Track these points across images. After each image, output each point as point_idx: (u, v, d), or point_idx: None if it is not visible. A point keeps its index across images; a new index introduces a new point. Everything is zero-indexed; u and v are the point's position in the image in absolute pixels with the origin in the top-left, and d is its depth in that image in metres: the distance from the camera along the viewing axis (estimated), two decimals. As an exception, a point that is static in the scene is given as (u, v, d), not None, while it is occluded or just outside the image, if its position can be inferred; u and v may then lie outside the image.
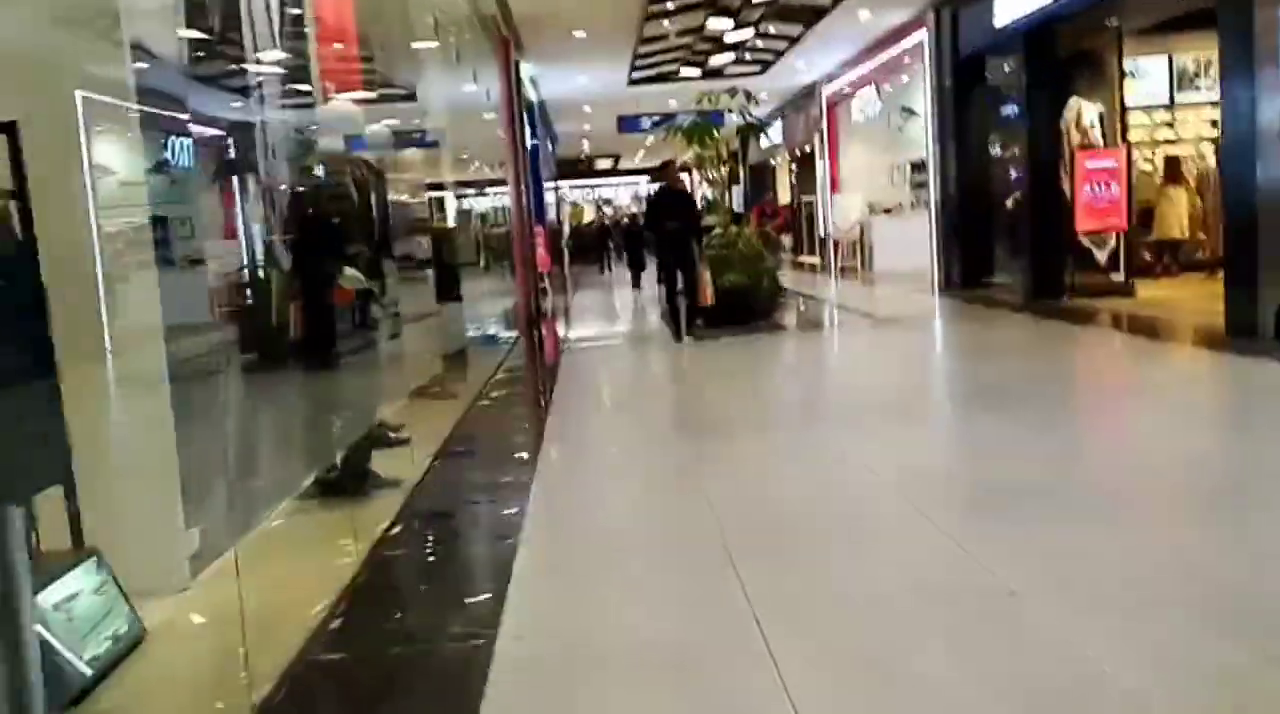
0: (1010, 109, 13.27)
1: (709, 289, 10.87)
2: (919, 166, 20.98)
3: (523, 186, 14.71)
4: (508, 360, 10.77)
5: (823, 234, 21.52)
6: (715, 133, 11.72)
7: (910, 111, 20.30)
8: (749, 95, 11.89)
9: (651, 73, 17.94)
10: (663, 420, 7.17)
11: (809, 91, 21.76)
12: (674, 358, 10.27)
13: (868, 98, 19.30)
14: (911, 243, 18.58)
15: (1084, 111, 12.98)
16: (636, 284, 21.17)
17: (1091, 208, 11.94)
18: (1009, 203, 13.74)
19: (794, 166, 26.69)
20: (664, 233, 11.00)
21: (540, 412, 7.51)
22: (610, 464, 5.93)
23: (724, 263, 12.01)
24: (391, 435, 6.41)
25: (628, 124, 20.88)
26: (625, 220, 30.85)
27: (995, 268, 13.98)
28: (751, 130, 11.78)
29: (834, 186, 20.90)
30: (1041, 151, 12.06)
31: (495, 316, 15.65)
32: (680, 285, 11.10)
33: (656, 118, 21.01)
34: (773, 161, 28.97)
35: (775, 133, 26.62)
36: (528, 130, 16.70)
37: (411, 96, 10.91)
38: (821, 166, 21.15)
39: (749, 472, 5.30)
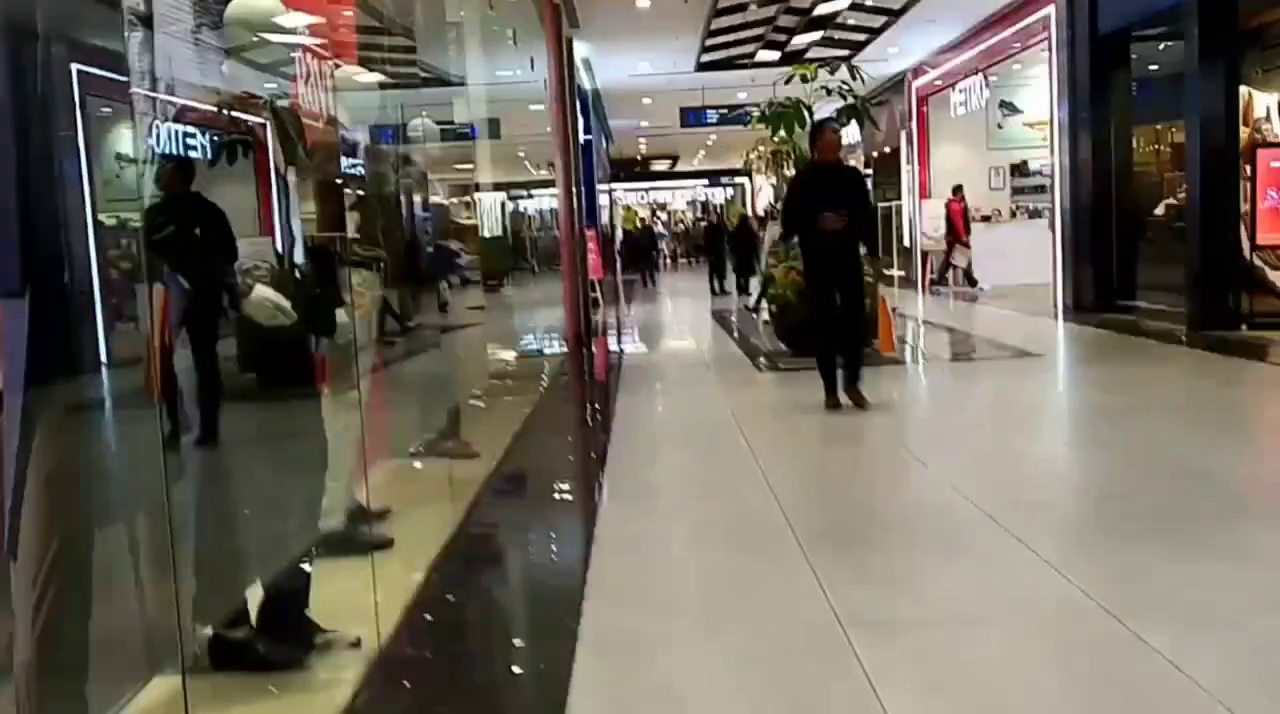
0: (1164, 97, 10.99)
1: (892, 327, 8.04)
2: (1022, 169, 18.78)
3: (573, 186, 12.65)
4: (552, 389, 8.71)
5: (907, 244, 19.21)
6: (808, 116, 9.55)
7: (1011, 107, 18.03)
8: (854, 70, 9.67)
9: (723, 54, 15.83)
10: (758, 516, 5.00)
11: (894, 84, 19.50)
12: (777, 408, 8.11)
13: (967, 89, 16.99)
14: (1014, 255, 16.33)
15: (1255, 101, 10.66)
16: (719, 290, 19.38)
17: (1275, 217, 9.61)
18: (1159, 211, 11.41)
19: (871, 169, 24.37)
20: (820, 235, 6.62)
21: (592, 491, 5.41)
22: (702, 609, 3.79)
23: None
24: (368, 533, 4.34)
25: (692, 117, 18.75)
26: (683, 225, 28.80)
27: (1136, 288, 11.64)
28: (855, 114, 9.57)
29: (923, 191, 18.59)
30: (1211, 149, 9.71)
31: (540, 331, 13.61)
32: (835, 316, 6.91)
33: (724, 110, 18.86)
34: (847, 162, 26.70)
35: (850, 131, 24.36)
36: (580, 123, 14.67)
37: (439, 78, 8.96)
38: (909, 169, 18.86)
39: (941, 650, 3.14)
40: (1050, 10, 12.33)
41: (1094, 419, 6.78)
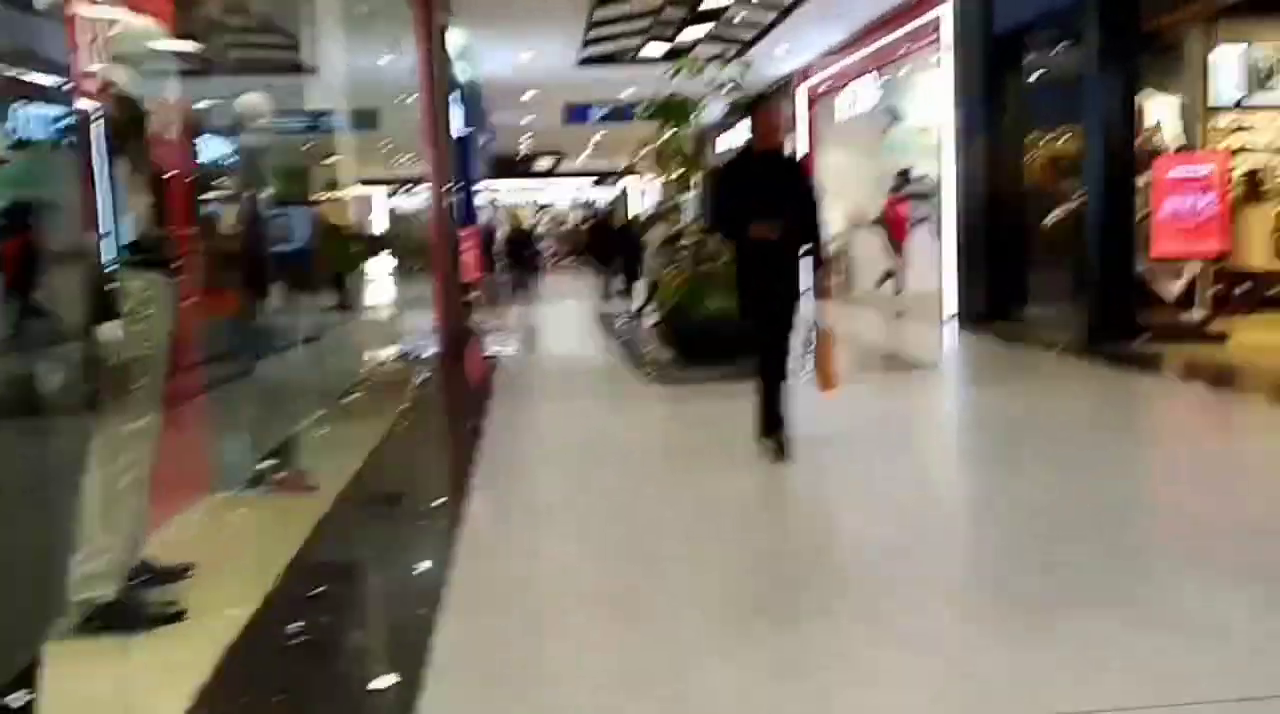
0: (1058, 102, 10.72)
1: (831, 360, 5.87)
2: (907, 176, 18.58)
3: (446, 183, 11.76)
4: (417, 403, 7.82)
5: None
6: (697, 110, 8.91)
7: (894, 113, 17.80)
8: (742, 65, 9.06)
9: (608, 48, 15.14)
10: (648, 569, 4.27)
11: (781, 85, 19.13)
12: (649, 420, 7.40)
13: (855, 93, 16.69)
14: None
15: (1147, 109, 10.48)
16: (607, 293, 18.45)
17: (1172, 228, 9.38)
18: (1050, 219, 11.14)
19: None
20: (757, 240, 5.32)
21: (454, 520, 4.59)
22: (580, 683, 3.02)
23: (706, 282, 9.23)
24: (152, 601, 3.49)
25: (575, 114, 18.02)
26: (565, 226, 28.05)
27: (1028, 299, 11.37)
28: (745, 112, 8.97)
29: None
30: (1110, 155, 9.43)
31: (407, 336, 12.67)
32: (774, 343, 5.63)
33: (609, 108, 18.17)
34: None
35: (733, 136, 24.00)
36: (455, 115, 13.77)
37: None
38: (796, 171, 18.43)
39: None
40: (942, 10, 11.99)
41: (1007, 442, 6.27)
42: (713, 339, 8.98)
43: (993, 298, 11.51)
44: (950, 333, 11.53)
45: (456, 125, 15.98)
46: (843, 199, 17.80)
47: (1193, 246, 9.32)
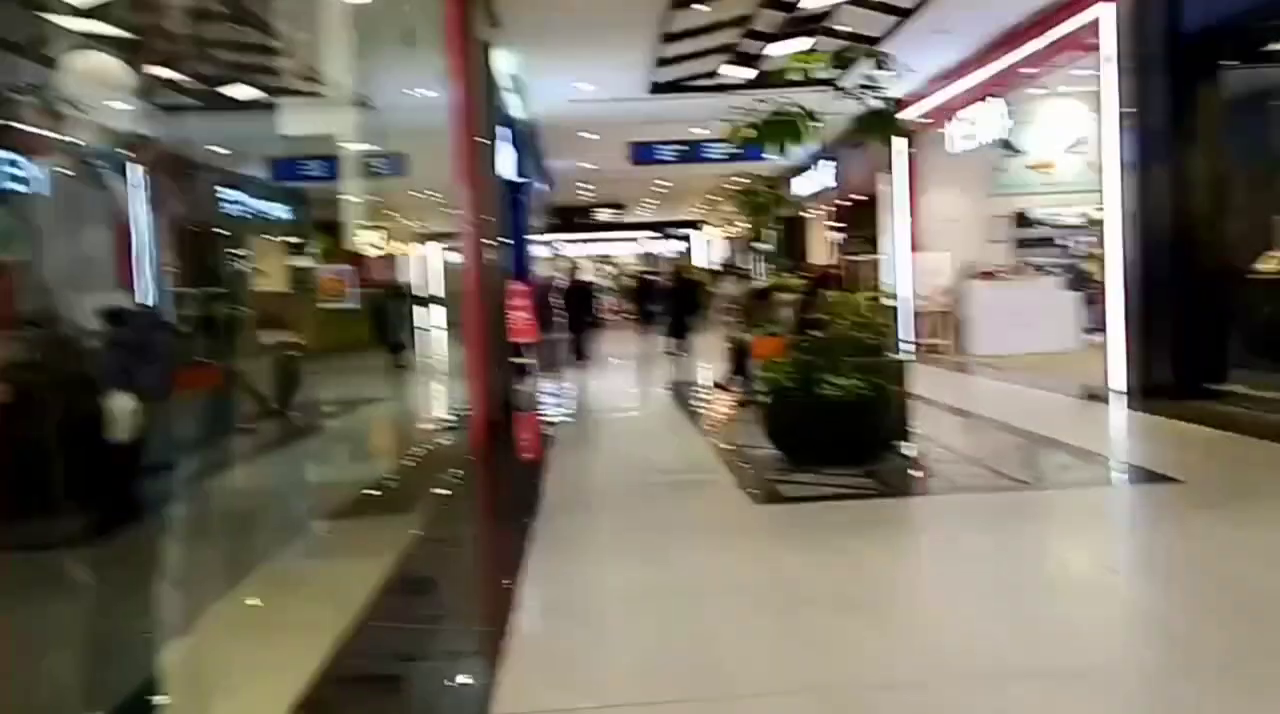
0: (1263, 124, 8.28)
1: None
2: (1022, 219, 16.11)
3: (486, 232, 9.59)
4: (434, 521, 5.49)
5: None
6: (810, 125, 6.61)
7: (1009, 147, 15.37)
8: (880, 59, 6.69)
9: (682, 71, 12.98)
10: None
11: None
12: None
13: (970, 120, 14.34)
14: (1024, 317, 13.66)
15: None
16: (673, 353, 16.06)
17: None
18: (1265, 265, 8.64)
19: (837, 220, 21.65)
20: None
21: None
22: None
23: (823, 353, 6.88)
24: None
25: (642, 153, 15.83)
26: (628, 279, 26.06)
27: (1229, 367, 8.83)
28: (883, 124, 6.66)
29: (914, 244, 15.81)
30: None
31: (429, 422, 10.45)
32: None
33: (682, 147, 15.99)
34: (803, 214, 23.83)
35: (804, 181, 21.70)
36: (502, 152, 11.69)
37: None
38: (896, 218, 16.06)
39: None
40: (1101, 9, 9.60)
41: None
42: (832, 429, 6.62)
43: (1180, 367, 8.97)
44: (1118, 414, 9.01)
45: (506, 167, 13.91)
46: (949, 248, 15.42)
47: None
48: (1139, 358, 9.33)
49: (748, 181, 13.20)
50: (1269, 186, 9.51)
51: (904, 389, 6.90)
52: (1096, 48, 9.71)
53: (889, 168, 16.07)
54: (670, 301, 16.20)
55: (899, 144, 15.55)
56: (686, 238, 38.56)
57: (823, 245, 23.05)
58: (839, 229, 21.81)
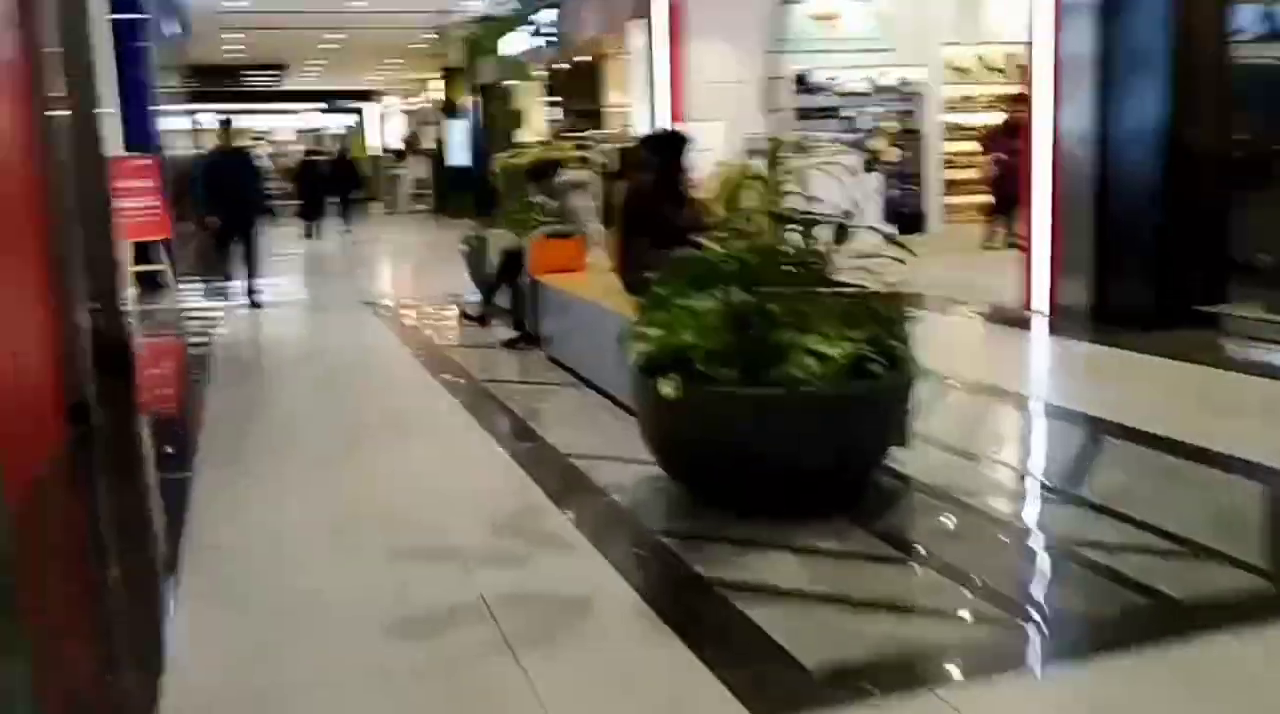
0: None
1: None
2: (804, 83, 13.27)
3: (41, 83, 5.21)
4: None
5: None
6: None
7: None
8: None
9: None
10: None
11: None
12: None
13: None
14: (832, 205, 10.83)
15: None
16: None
17: None
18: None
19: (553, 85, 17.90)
20: None
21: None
22: None
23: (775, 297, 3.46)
24: None
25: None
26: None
27: (1227, 287, 6.32)
28: None
29: (675, 113, 12.53)
30: None
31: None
32: None
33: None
34: (514, 82, 19.85)
35: (515, 39, 17.74)
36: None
37: None
38: (655, 78, 12.67)
39: None
40: None
41: None
42: (800, 441, 3.32)
43: (1149, 283, 6.39)
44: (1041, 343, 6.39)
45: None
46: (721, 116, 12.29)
47: None
48: (1091, 273, 6.66)
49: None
50: None
51: (912, 355, 3.61)
52: None
53: (643, 12, 12.62)
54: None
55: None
56: (358, 111, 33.32)
57: (540, 121, 19.25)
58: (556, 103, 18.12)
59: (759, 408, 3.27)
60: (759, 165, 4.13)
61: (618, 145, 12.79)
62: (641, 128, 12.89)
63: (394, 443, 4.73)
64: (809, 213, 3.95)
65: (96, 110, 6.48)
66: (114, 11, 9.92)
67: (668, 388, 3.24)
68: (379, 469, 4.35)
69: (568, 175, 7.06)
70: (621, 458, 4.08)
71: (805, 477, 3.38)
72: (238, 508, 3.90)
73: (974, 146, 12.41)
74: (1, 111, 4.52)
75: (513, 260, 6.82)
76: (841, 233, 3.79)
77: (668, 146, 5.29)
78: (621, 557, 3.22)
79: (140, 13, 11.04)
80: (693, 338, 3.37)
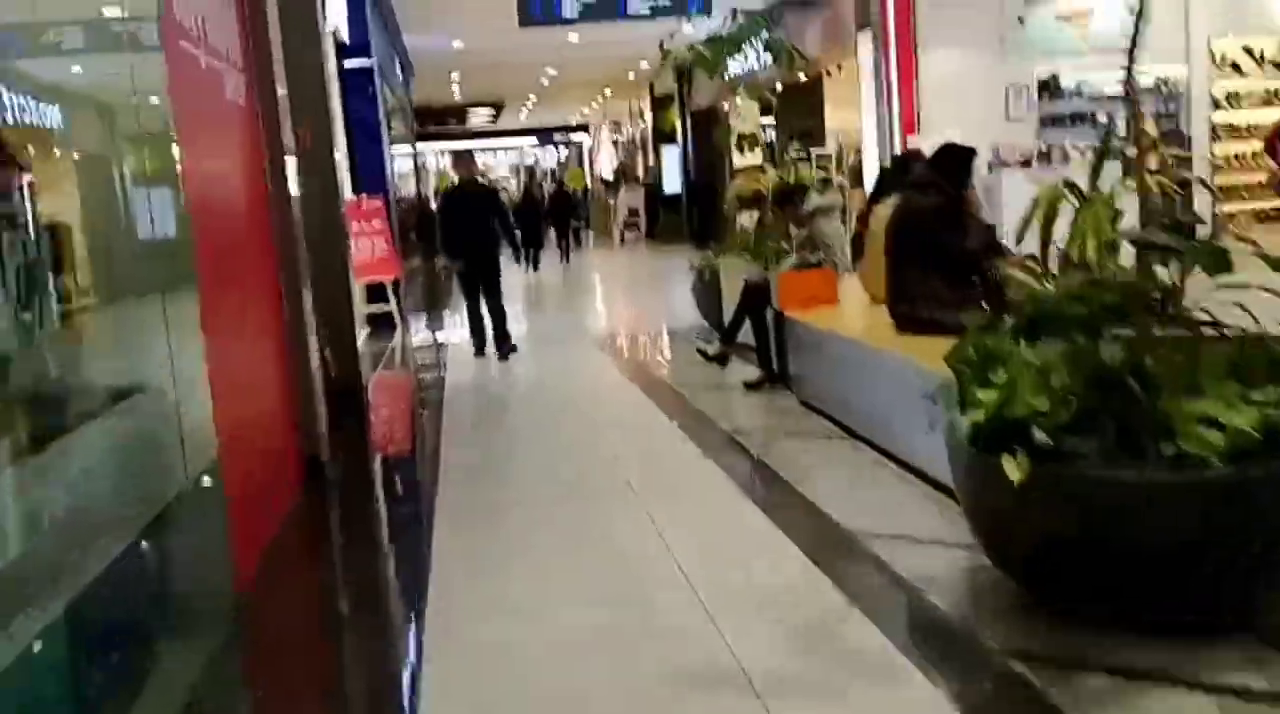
0: None
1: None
2: (1052, 88, 12.13)
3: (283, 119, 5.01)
4: None
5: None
6: None
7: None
8: None
9: None
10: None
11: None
12: None
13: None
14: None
15: None
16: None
17: None
18: None
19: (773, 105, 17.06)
20: None
21: None
22: None
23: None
24: None
25: (536, 8, 11.05)
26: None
27: None
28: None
29: (907, 124, 11.64)
30: None
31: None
32: None
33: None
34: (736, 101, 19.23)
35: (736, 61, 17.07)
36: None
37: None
38: (881, 88, 11.84)
39: None
40: None
41: None
42: (1187, 548, 2.46)
43: None
44: None
45: (337, 20, 9.24)
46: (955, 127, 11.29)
47: None
48: None
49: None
50: None
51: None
52: None
53: (868, 22, 11.84)
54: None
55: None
56: (569, 144, 33.81)
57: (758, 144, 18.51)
58: (774, 125, 17.35)
59: (1148, 497, 2.49)
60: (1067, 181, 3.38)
61: (853, 164, 12.04)
62: (870, 145, 12.16)
63: (646, 511, 4.15)
64: (1164, 236, 3.13)
65: (329, 153, 6.36)
66: (343, 55, 10.10)
67: (1016, 472, 2.52)
68: (632, 550, 3.76)
69: (816, 200, 6.38)
70: (924, 539, 3.35)
71: (1203, 583, 2.56)
72: (484, 594, 3.42)
73: (1249, 147, 11.08)
74: (234, 155, 4.30)
75: (756, 294, 6.19)
76: (1220, 260, 2.94)
77: (955, 162, 4.51)
78: (961, 688, 2.51)
79: (368, 56, 11.20)
80: (1043, 403, 2.63)
